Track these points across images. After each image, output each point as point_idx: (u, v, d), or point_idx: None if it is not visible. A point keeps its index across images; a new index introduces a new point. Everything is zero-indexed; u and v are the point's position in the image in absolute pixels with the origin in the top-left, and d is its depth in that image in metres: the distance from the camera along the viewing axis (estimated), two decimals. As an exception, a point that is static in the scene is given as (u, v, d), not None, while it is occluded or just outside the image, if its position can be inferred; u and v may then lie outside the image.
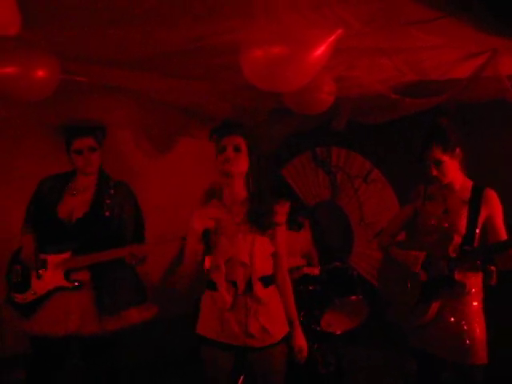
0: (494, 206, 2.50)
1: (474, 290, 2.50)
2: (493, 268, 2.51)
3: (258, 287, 2.12)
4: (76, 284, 2.59)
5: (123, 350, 2.98)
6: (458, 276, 2.45)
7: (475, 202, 2.50)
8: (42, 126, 3.28)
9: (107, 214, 2.68)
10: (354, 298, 3.14)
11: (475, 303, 2.51)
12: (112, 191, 2.74)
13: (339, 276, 3.25)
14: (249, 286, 2.12)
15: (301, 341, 2.21)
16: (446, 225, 2.54)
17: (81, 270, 2.60)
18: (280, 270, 2.23)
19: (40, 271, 2.60)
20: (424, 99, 2.79)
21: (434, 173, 2.50)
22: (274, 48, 1.80)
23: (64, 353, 2.64)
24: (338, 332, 3.15)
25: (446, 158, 2.48)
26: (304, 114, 3.20)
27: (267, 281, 2.17)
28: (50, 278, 2.58)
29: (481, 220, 2.49)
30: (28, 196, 2.80)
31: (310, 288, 3.19)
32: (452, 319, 2.49)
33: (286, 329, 2.21)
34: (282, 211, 2.19)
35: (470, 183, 2.57)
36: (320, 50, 1.77)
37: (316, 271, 3.30)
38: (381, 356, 3.86)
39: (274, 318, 2.16)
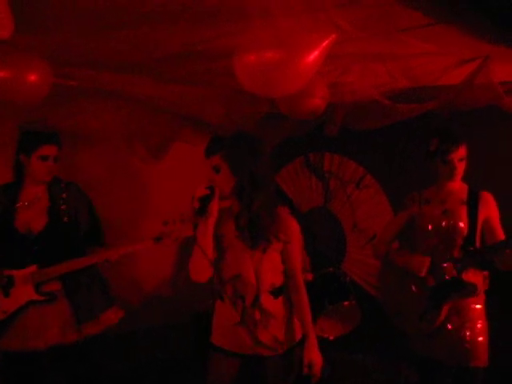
0: (491, 207, 2.55)
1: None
2: (486, 273, 2.53)
3: (268, 299, 2.10)
4: (48, 297, 2.49)
5: (117, 355, 2.93)
6: (466, 277, 2.45)
7: (473, 202, 2.54)
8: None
9: (66, 220, 2.59)
10: (347, 303, 3.11)
11: (478, 305, 2.51)
12: (64, 195, 2.63)
13: (332, 282, 3.23)
14: (257, 299, 2.09)
15: (313, 354, 2.08)
16: (447, 226, 2.54)
17: (51, 280, 2.50)
18: (293, 281, 2.17)
19: (7, 289, 2.47)
20: (416, 105, 2.80)
21: (460, 170, 2.53)
22: (267, 52, 1.80)
23: (37, 368, 2.56)
24: (331, 338, 3.14)
25: (465, 157, 2.54)
26: (297, 119, 3.20)
27: (277, 292, 2.14)
28: (19, 293, 2.47)
29: (480, 221, 2.53)
30: None
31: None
32: (457, 322, 2.49)
33: (298, 336, 2.17)
34: (290, 229, 2.12)
35: (465, 186, 2.62)
36: (314, 55, 1.76)
37: (309, 277, 3.28)
38: (374, 362, 3.85)
39: (284, 327, 2.13)
